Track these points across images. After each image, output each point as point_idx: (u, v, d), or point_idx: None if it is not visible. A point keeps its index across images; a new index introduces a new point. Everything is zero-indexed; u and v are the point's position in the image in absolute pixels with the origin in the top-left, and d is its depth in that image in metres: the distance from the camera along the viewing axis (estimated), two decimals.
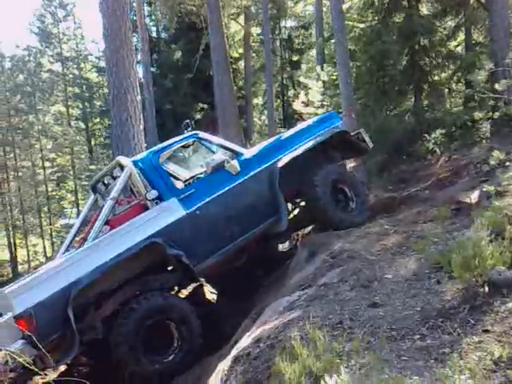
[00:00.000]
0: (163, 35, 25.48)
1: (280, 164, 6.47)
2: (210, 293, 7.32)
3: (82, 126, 32.08)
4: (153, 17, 25.45)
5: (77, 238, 6.63)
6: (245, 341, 4.31)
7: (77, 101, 32.09)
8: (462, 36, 12.60)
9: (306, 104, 16.28)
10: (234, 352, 4.20)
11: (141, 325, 5.25)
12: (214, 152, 6.46)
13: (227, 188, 6.14)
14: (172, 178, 6.38)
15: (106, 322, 5.35)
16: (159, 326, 5.39)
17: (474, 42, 12.52)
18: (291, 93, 27.47)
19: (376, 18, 12.17)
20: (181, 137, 6.46)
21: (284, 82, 27.35)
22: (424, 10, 12.47)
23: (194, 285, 6.81)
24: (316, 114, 13.86)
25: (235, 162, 6.25)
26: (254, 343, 3.99)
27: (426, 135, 10.97)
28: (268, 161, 6.53)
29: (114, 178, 6.34)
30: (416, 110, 11.79)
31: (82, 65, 32.97)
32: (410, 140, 11.32)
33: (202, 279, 6.86)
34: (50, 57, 31.88)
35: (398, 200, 8.04)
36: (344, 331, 3.61)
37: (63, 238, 23.74)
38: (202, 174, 6.56)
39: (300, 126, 7.65)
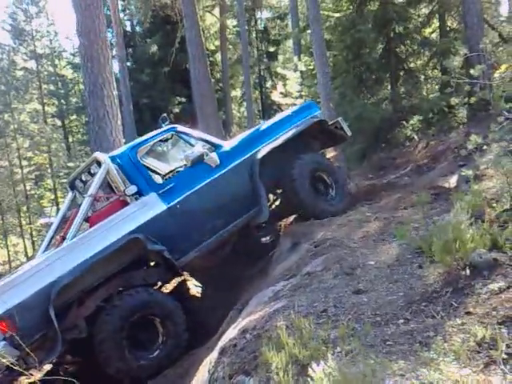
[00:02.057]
0: (138, 29, 25.24)
1: (259, 155, 6.47)
2: (195, 286, 7.31)
3: (59, 123, 31.63)
4: (127, 11, 25.15)
5: (57, 237, 6.55)
6: (231, 332, 4.31)
7: (52, 98, 31.61)
8: (436, 23, 12.70)
9: (285, 94, 16.29)
10: (220, 344, 4.21)
11: (125, 321, 5.23)
12: (192, 145, 6.41)
13: (207, 181, 6.12)
14: (151, 173, 6.33)
15: (90, 319, 5.31)
16: (144, 321, 5.38)
17: (448, 28, 12.62)
18: (269, 84, 27.42)
19: (351, 7, 12.20)
20: (159, 131, 6.40)
21: (261, 73, 27.29)
22: None
23: (178, 279, 6.79)
24: (294, 105, 13.90)
25: (214, 155, 6.22)
26: (240, 334, 4.00)
27: (404, 122, 11.08)
28: (247, 152, 6.51)
29: (92, 175, 6.27)
30: (393, 97, 11.88)
31: (57, 61, 32.46)
32: (388, 127, 11.42)
33: (186, 273, 6.84)
34: (23, 54, 31.30)
35: (378, 187, 8.11)
36: (329, 319, 3.62)
37: (44, 236, 23.42)
38: (181, 167, 6.52)
39: (278, 116, 7.65)
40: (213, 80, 20.34)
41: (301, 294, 4.22)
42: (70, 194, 6.87)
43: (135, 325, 5.30)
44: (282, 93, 16.61)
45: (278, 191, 7.15)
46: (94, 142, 9.29)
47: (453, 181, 6.85)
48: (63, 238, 5.81)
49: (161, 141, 6.48)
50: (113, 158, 5.95)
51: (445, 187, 6.74)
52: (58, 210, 25.21)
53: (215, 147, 6.44)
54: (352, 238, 5.27)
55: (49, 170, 28.43)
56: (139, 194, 5.80)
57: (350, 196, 7.28)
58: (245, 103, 24.92)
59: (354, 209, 6.64)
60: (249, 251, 7.10)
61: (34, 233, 26.79)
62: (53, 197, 28.61)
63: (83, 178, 6.54)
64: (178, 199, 5.90)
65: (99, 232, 5.44)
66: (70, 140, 31.58)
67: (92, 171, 6.26)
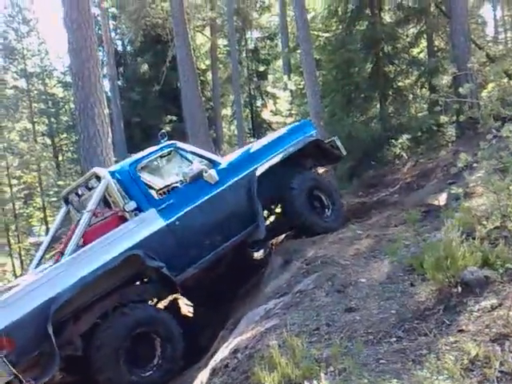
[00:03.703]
0: (129, 48, 25.33)
1: (258, 172, 6.50)
2: (186, 305, 7.24)
3: (49, 141, 31.50)
4: (118, 30, 25.28)
5: (56, 250, 6.46)
6: (222, 352, 4.27)
7: (43, 116, 31.51)
8: (424, 43, 12.89)
9: (275, 113, 16.40)
10: (211, 364, 4.17)
11: (128, 332, 5.18)
12: (190, 161, 6.40)
13: (206, 198, 6.13)
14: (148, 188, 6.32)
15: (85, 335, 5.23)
16: (144, 338, 5.31)
17: (435, 48, 12.82)
18: (259, 103, 27.55)
19: (340, 27, 12.36)
20: (158, 147, 6.41)
21: (252, 92, 27.39)
22: (387, 17, 12.75)
23: (170, 297, 6.73)
24: (284, 123, 14.01)
25: (213, 172, 6.24)
26: (231, 354, 3.96)
27: (393, 140, 11.15)
28: (245, 170, 6.55)
29: (90, 189, 6.24)
30: (382, 116, 11.98)
31: (47, 80, 32.42)
32: (378, 146, 11.49)
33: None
34: (14, 73, 31.27)
35: (368, 205, 8.14)
36: (321, 337, 3.61)
37: (32, 256, 23.21)
38: (176, 183, 6.52)
39: (275, 134, 7.73)
40: (203, 98, 20.41)
41: (293, 313, 4.19)
42: (63, 208, 6.80)
43: (136, 339, 5.23)
44: (272, 111, 16.72)
45: (273, 207, 7.16)
46: (85, 160, 9.26)
47: (442, 198, 6.89)
48: (62, 254, 5.69)
49: (160, 157, 6.49)
50: (112, 173, 5.91)
51: (434, 205, 6.77)
52: (47, 228, 24.97)
53: (214, 164, 6.47)
54: (343, 255, 5.27)
55: (38, 189, 28.22)
56: (138, 209, 5.78)
57: (342, 215, 7.29)
58: (235, 122, 25.00)
59: (345, 226, 6.64)
60: (241, 268, 7.06)
61: (22, 252, 26.48)
62: (42, 216, 28.36)
63: (79, 192, 6.49)
64: (177, 216, 5.88)
65: (98, 247, 5.39)
66: (60, 158, 31.41)
67: (90, 185, 6.23)
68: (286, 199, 6.72)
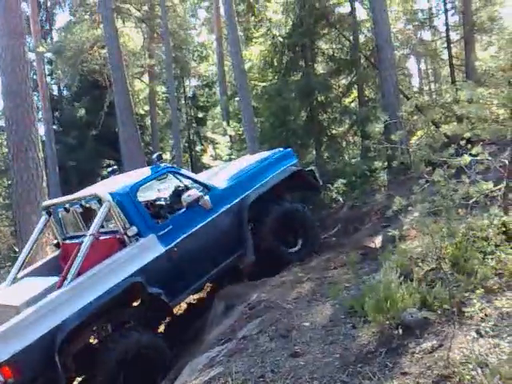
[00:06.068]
0: (65, 93, 25.06)
1: (249, 201, 6.71)
2: None
3: None
4: (54, 75, 24.97)
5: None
6: None
7: None
8: (355, 92, 13.50)
9: (215, 158, 16.55)
10: None
11: (135, 351, 5.18)
12: (185, 185, 6.47)
13: (202, 224, 6.23)
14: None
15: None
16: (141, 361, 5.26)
17: (366, 97, 13.46)
18: (199, 148, 27.72)
19: (276, 77, 12.77)
20: (157, 171, 6.40)
21: (191, 137, 27.55)
22: (320, 69, 13.32)
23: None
24: None
25: (208, 198, 6.34)
26: None
27: (329, 185, 11.46)
28: (237, 196, 6.72)
29: (83, 207, 6.23)
30: (318, 161, 12.32)
31: None
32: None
33: None
34: None
35: None
36: None
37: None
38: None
39: (262, 158, 7.76)
40: (142, 143, 20.34)
41: (237, 360, 4.13)
42: (43, 218, 6.66)
43: (133, 362, 5.17)
44: (211, 156, 16.87)
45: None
46: (17, 205, 9.04)
47: (378, 241, 7.08)
48: (64, 278, 5.47)
49: (157, 180, 6.51)
50: (113, 196, 5.79)
51: (371, 247, 6.94)
52: None
53: (208, 190, 6.53)
54: (286, 299, 5.27)
55: None
56: (139, 234, 5.75)
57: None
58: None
59: (287, 269, 6.68)
60: (182, 313, 6.98)
61: None
62: None
63: (67, 206, 6.44)
64: (175, 242, 5.92)
65: (102, 274, 5.32)
66: None
67: (85, 204, 6.20)
68: (259, 221, 6.88)
